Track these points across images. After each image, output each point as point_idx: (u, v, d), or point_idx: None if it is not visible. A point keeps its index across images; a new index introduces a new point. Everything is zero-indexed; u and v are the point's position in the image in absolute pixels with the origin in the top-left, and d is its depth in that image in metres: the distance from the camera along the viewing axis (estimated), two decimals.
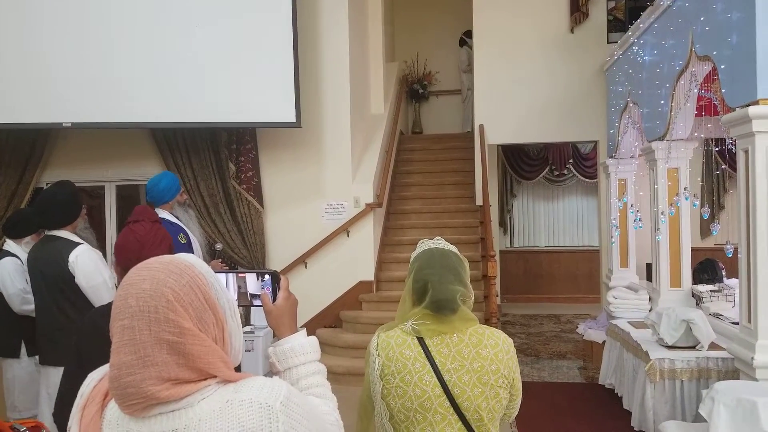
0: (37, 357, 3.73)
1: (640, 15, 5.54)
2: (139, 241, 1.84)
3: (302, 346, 1.35)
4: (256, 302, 1.41)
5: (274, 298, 1.39)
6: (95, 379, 1.13)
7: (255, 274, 1.42)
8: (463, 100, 10.04)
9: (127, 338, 1.00)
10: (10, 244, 3.93)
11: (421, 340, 1.76)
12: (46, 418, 3.11)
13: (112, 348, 1.02)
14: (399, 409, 1.74)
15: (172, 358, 1.00)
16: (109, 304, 1.92)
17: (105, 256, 3.43)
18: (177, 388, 1.00)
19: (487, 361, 1.74)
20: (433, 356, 1.73)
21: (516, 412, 1.89)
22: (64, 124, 5.77)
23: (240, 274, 1.42)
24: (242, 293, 1.40)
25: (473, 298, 1.84)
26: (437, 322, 1.76)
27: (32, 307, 3.61)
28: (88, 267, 3.03)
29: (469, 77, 9.71)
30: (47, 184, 6.59)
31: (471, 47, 9.65)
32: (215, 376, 1.04)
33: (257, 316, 4.99)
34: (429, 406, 1.72)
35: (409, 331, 1.78)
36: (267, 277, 1.41)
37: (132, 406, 1.00)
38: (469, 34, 9.65)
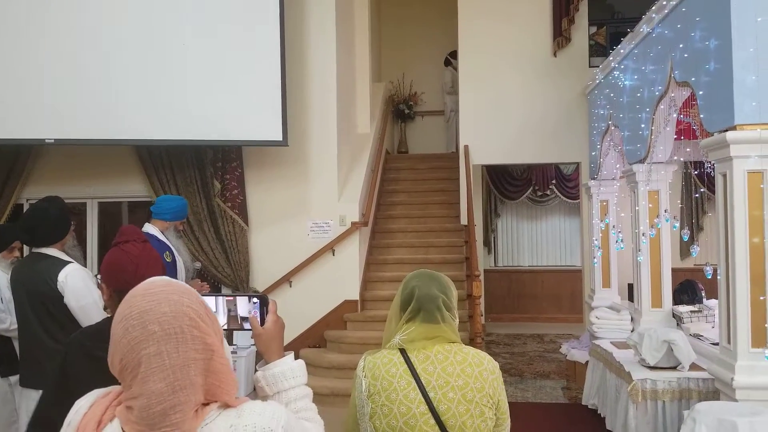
0: (10, 378, 3.64)
1: (621, 41, 5.67)
2: (133, 262, 1.81)
3: (292, 370, 1.36)
4: (246, 325, 1.41)
5: (262, 322, 1.39)
6: (84, 405, 1.11)
7: (245, 297, 1.42)
8: (447, 121, 10.14)
9: (155, 365, 1.00)
10: None
11: (406, 358, 1.78)
12: None
13: (138, 377, 1.00)
14: (384, 428, 1.74)
15: (199, 378, 1.02)
16: (97, 326, 1.90)
17: None
18: (196, 418, 1.02)
19: (471, 378, 1.76)
20: (418, 373, 1.75)
21: None
22: (46, 141, 5.73)
23: (228, 298, 1.42)
24: (233, 316, 1.39)
25: (458, 320, 1.89)
26: (425, 327, 1.80)
27: (5, 326, 3.50)
28: (78, 286, 2.95)
29: (453, 99, 9.81)
30: (28, 200, 6.52)
31: (456, 68, 9.79)
32: (216, 401, 1.05)
33: (240, 336, 4.96)
34: (414, 424, 1.72)
35: (395, 346, 1.82)
36: (255, 300, 1.41)
37: None
38: (454, 54, 9.78)
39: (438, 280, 1.88)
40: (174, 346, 1.00)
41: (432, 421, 1.72)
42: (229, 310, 1.39)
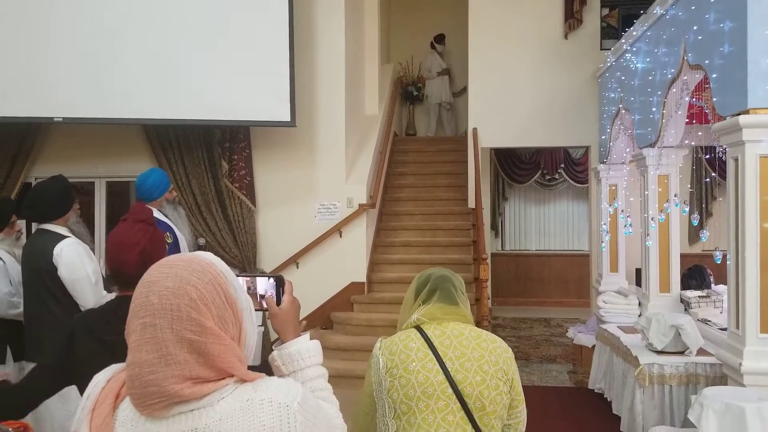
0: (22, 362, 3.65)
1: (634, 23, 5.59)
2: (112, 244, 1.82)
3: (308, 350, 1.37)
4: (264, 305, 1.42)
5: (278, 302, 1.41)
6: (102, 380, 1.12)
7: (264, 277, 1.43)
8: (428, 107, 9.99)
9: (148, 336, 1.00)
10: None
11: (423, 333, 1.83)
12: (30, 420, 3.08)
13: (130, 346, 1.02)
14: (402, 399, 1.77)
15: (192, 356, 1.00)
16: (102, 308, 1.90)
17: (93, 251, 3.40)
18: (198, 386, 1.01)
19: (486, 352, 1.81)
20: (435, 346, 1.80)
21: (523, 426, 1.90)
22: (55, 119, 5.73)
23: (247, 277, 1.43)
24: (251, 294, 1.40)
25: (469, 309, 1.96)
26: (442, 306, 1.87)
27: (20, 310, 3.43)
28: (72, 260, 3.03)
29: (433, 84, 9.72)
30: (36, 179, 6.54)
31: (440, 53, 9.73)
32: (232, 375, 1.05)
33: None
34: (432, 392, 1.75)
35: (412, 324, 1.87)
36: (271, 280, 1.42)
37: (152, 406, 1.00)
38: (439, 39, 9.72)
39: (451, 271, 1.99)
40: (168, 322, 1.00)
41: (449, 390, 1.75)
42: (248, 288, 1.40)
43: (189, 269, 1.04)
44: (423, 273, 1.99)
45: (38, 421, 2.96)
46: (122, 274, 1.80)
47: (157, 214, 3.76)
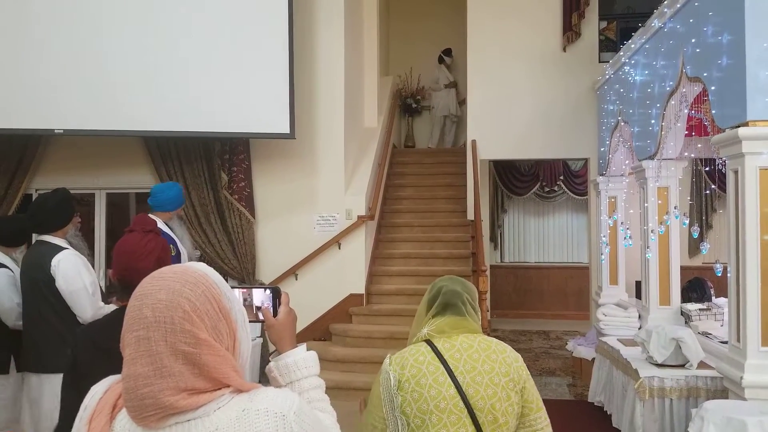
0: (25, 372, 3.63)
1: (632, 36, 5.62)
2: (126, 253, 1.85)
3: (304, 360, 1.37)
4: (260, 316, 1.42)
5: (275, 313, 1.41)
6: (99, 391, 1.12)
7: (261, 289, 1.43)
8: (432, 118, 10.04)
9: (143, 349, 1.00)
10: None
11: (433, 347, 1.84)
12: (27, 427, 3.08)
13: (125, 359, 1.02)
14: (415, 413, 1.78)
15: (187, 368, 1.00)
16: (105, 319, 1.91)
17: (93, 263, 3.42)
18: (194, 397, 1.01)
19: (497, 363, 1.82)
20: (446, 359, 1.81)
21: None
22: (56, 131, 5.74)
23: (244, 289, 1.42)
24: (248, 305, 1.39)
25: (479, 322, 1.97)
26: (450, 319, 1.88)
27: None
28: (69, 272, 3.06)
29: (439, 95, 9.76)
30: (37, 190, 6.54)
31: (448, 66, 9.78)
32: (228, 386, 1.05)
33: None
34: (444, 406, 1.76)
35: (421, 338, 1.89)
36: (268, 291, 1.42)
37: (148, 418, 1.00)
38: (447, 52, 9.78)
39: (462, 282, 1.99)
40: (162, 334, 1.00)
41: (461, 404, 1.76)
42: (244, 299, 1.39)
43: (181, 281, 1.04)
44: (435, 284, 1.98)
45: (39, 427, 2.96)
46: (136, 283, 1.79)
47: (161, 225, 3.80)
